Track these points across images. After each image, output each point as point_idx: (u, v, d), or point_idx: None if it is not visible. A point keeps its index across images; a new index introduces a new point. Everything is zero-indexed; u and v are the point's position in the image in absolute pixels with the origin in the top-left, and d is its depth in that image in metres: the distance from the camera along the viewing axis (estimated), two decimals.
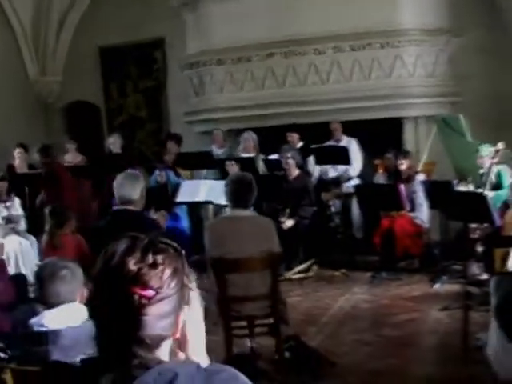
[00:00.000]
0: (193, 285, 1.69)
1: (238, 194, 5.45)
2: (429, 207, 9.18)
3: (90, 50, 13.97)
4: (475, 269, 7.98)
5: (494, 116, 10.83)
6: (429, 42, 11.23)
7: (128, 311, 1.55)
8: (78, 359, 2.79)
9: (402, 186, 8.99)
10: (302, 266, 9.46)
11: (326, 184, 10.77)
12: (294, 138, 11.17)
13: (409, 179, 9.43)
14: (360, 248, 10.21)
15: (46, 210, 6.52)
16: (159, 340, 1.59)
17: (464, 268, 7.23)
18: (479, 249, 7.83)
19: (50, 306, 3.26)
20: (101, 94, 14.16)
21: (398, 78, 11.21)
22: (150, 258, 1.58)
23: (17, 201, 10.16)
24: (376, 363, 5.79)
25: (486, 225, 7.79)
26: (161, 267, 1.59)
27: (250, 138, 11.20)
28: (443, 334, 6.59)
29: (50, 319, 3.22)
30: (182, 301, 1.64)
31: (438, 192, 8.50)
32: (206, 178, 10.88)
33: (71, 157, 12.34)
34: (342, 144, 10.79)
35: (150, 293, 1.56)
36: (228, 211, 5.89)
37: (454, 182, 8.82)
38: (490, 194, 8.12)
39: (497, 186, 8.79)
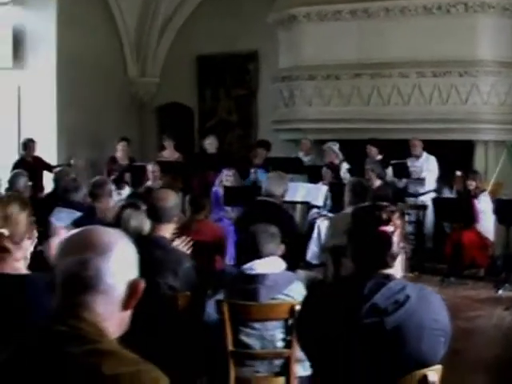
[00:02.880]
0: None
1: (356, 195, 6.67)
2: (496, 222, 10.30)
3: (188, 56, 15.17)
4: None
5: None
6: (503, 74, 12.21)
7: (382, 238, 2.83)
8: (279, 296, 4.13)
9: (476, 201, 10.13)
10: None
11: (402, 195, 11.85)
12: (373, 151, 12.17)
13: (475, 196, 10.51)
14: (430, 256, 11.25)
15: (187, 198, 7.74)
16: (395, 258, 2.85)
17: None
18: None
19: (259, 256, 4.51)
20: (195, 98, 15.37)
21: (473, 105, 12.20)
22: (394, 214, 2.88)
23: (127, 189, 11.42)
24: (454, 344, 6.91)
25: None
26: (396, 216, 2.86)
27: (330, 150, 12.34)
28: (507, 327, 7.76)
29: (259, 266, 4.47)
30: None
31: (507, 209, 9.65)
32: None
33: (169, 153, 13.44)
34: (421, 160, 11.79)
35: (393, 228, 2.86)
36: (348, 209, 6.99)
37: None
38: None
39: None
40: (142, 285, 2.06)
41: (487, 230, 10.43)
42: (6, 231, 3.35)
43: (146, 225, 5.03)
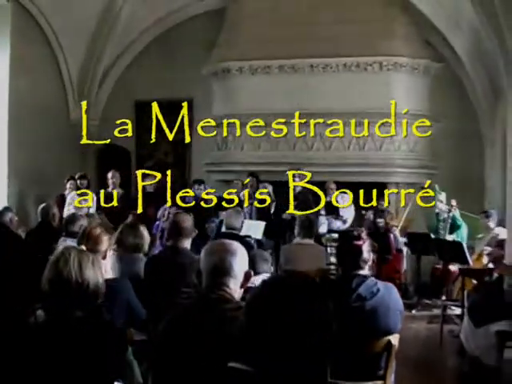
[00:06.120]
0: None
1: (304, 228, 8.18)
2: (409, 253, 12.01)
3: (127, 101, 16.49)
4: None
5: (459, 184, 13.59)
6: (413, 124, 14.03)
7: (356, 249, 4.38)
8: None
9: (392, 236, 11.78)
10: None
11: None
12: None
13: (385, 232, 12.15)
14: None
15: None
16: (366, 262, 4.38)
17: (445, 292, 10.18)
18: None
19: (256, 273, 5.95)
20: (133, 141, 16.62)
21: (386, 151, 13.99)
22: (363, 233, 4.43)
23: None
24: None
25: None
26: (363, 234, 4.40)
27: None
28: (424, 337, 9.49)
29: (257, 282, 5.84)
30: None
31: (418, 241, 11.38)
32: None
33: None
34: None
35: (362, 242, 4.40)
36: (297, 239, 8.46)
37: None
38: (451, 236, 11.34)
39: (454, 227, 11.69)
40: (252, 274, 3.54)
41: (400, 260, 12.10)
42: (84, 247, 4.75)
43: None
